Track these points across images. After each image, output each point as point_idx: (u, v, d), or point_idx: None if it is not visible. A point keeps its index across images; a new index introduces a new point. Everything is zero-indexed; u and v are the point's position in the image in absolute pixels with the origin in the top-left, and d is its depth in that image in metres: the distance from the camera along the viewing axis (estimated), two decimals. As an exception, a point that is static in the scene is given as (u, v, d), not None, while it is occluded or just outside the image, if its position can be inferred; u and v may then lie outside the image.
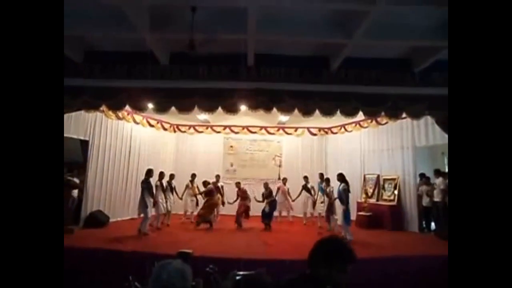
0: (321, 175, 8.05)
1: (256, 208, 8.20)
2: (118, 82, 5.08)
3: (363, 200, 8.63)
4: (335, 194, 6.84)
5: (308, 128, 10.27)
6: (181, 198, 8.39)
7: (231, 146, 10.82)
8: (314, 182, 8.58)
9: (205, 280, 2.29)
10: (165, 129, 9.91)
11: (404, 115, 5.77)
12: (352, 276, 1.42)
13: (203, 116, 8.56)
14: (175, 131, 10.38)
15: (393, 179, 8.26)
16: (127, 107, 5.74)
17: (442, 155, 8.78)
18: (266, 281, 2.02)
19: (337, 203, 6.80)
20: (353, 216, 7.29)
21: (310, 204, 8.44)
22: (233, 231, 7.46)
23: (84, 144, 7.51)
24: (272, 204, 7.92)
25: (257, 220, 7.82)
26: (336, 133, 10.20)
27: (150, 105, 5.67)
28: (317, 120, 7.01)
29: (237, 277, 2.16)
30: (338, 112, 5.47)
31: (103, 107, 6.21)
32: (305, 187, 8.57)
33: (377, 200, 8.55)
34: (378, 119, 7.75)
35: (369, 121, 8.33)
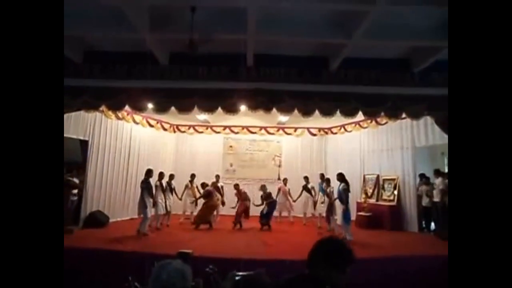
0: (322, 175, 8.04)
1: (257, 208, 8.19)
2: (118, 82, 5.08)
3: (362, 200, 8.64)
4: (335, 195, 6.84)
5: (307, 128, 10.27)
6: (180, 199, 8.38)
7: (231, 146, 10.82)
8: (314, 182, 8.58)
9: (204, 280, 2.29)
10: (165, 129, 9.91)
11: (403, 115, 5.77)
12: (352, 276, 1.42)
13: (202, 116, 8.56)
14: (175, 131, 10.38)
15: (393, 179, 8.26)
16: (127, 107, 5.74)
17: (441, 155, 8.80)
18: (266, 281, 2.03)
19: (337, 203, 6.80)
20: (353, 216, 7.29)
21: (310, 205, 8.44)
22: (233, 231, 7.46)
23: (84, 144, 7.51)
24: (271, 205, 7.92)
25: (257, 220, 7.80)
26: (335, 133, 10.21)
27: (150, 105, 5.67)
28: (317, 120, 7.01)
29: (237, 278, 2.17)
30: (338, 112, 5.47)
31: (103, 107, 6.21)
32: (305, 188, 8.57)
33: (377, 200, 8.56)
34: (378, 119, 7.75)
35: (369, 121, 8.33)
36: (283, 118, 8.27)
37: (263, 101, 5.26)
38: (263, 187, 8.29)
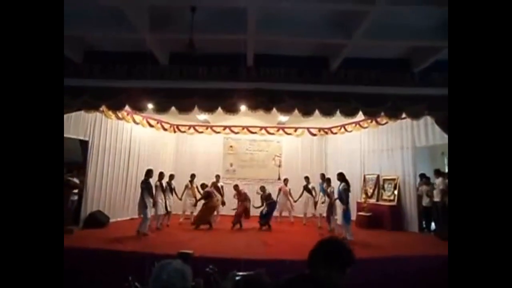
0: (323, 175, 8.04)
1: (257, 209, 8.20)
2: (118, 82, 5.08)
3: (363, 200, 8.64)
4: (336, 194, 6.84)
5: (308, 128, 10.27)
6: (180, 199, 8.38)
7: (231, 146, 10.82)
8: (314, 182, 8.58)
9: (205, 280, 2.29)
10: (165, 129, 9.91)
11: (403, 115, 5.77)
12: (352, 276, 1.43)
13: (203, 116, 8.56)
14: (175, 131, 10.38)
15: (393, 179, 8.26)
16: (127, 107, 5.74)
17: (442, 155, 8.80)
18: (266, 281, 2.02)
19: (338, 203, 6.80)
20: (353, 216, 7.28)
21: (311, 205, 8.43)
22: (233, 231, 7.45)
23: (84, 144, 7.51)
24: (271, 206, 7.92)
25: (257, 220, 7.80)
26: (336, 133, 10.21)
27: (150, 105, 5.67)
28: (317, 120, 7.01)
29: (237, 278, 2.16)
30: (338, 112, 5.46)
31: (103, 107, 6.21)
32: (306, 188, 8.57)
33: (377, 200, 8.56)
34: (378, 119, 7.75)
35: (369, 121, 8.33)
36: (283, 118, 8.28)
37: (263, 101, 5.26)
38: (262, 189, 8.28)
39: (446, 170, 7.80)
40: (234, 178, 10.20)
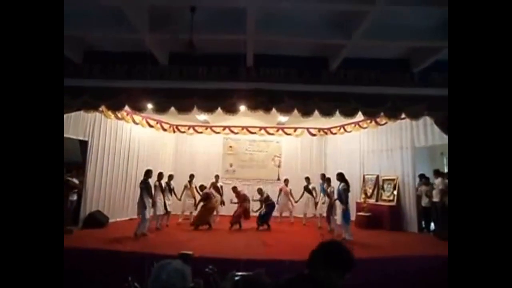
0: (323, 175, 8.03)
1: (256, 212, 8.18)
2: (118, 82, 5.07)
3: (362, 200, 8.64)
4: (335, 195, 6.84)
5: (307, 129, 10.26)
6: (179, 199, 8.37)
7: (231, 147, 10.81)
8: (314, 183, 8.58)
9: (204, 280, 2.28)
10: (164, 129, 9.90)
11: (403, 115, 5.77)
12: (351, 276, 1.43)
13: (202, 117, 8.56)
14: (174, 132, 10.37)
15: (392, 180, 8.26)
16: (127, 107, 5.73)
17: (441, 155, 8.81)
18: (265, 281, 2.02)
19: (337, 203, 6.79)
20: (352, 216, 7.29)
21: (311, 205, 8.43)
22: (233, 231, 7.45)
23: (83, 144, 7.50)
24: (270, 207, 7.91)
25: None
26: (335, 133, 10.20)
27: (150, 106, 5.66)
28: (317, 120, 7.00)
29: (236, 278, 2.16)
30: (337, 112, 5.46)
31: (103, 107, 6.20)
32: (306, 188, 8.56)
33: (377, 201, 8.56)
34: (378, 119, 7.75)
35: (369, 121, 8.33)
36: (282, 118, 8.26)
37: (262, 101, 5.25)
38: (259, 191, 8.25)
39: (445, 170, 7.82)
40: (234, 178, 10.20)
